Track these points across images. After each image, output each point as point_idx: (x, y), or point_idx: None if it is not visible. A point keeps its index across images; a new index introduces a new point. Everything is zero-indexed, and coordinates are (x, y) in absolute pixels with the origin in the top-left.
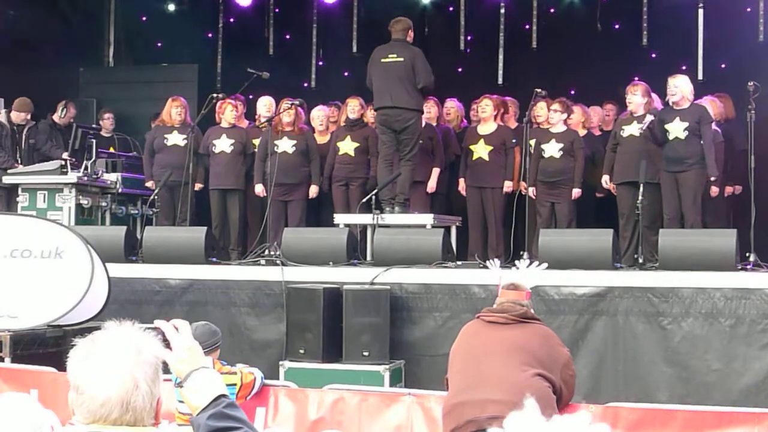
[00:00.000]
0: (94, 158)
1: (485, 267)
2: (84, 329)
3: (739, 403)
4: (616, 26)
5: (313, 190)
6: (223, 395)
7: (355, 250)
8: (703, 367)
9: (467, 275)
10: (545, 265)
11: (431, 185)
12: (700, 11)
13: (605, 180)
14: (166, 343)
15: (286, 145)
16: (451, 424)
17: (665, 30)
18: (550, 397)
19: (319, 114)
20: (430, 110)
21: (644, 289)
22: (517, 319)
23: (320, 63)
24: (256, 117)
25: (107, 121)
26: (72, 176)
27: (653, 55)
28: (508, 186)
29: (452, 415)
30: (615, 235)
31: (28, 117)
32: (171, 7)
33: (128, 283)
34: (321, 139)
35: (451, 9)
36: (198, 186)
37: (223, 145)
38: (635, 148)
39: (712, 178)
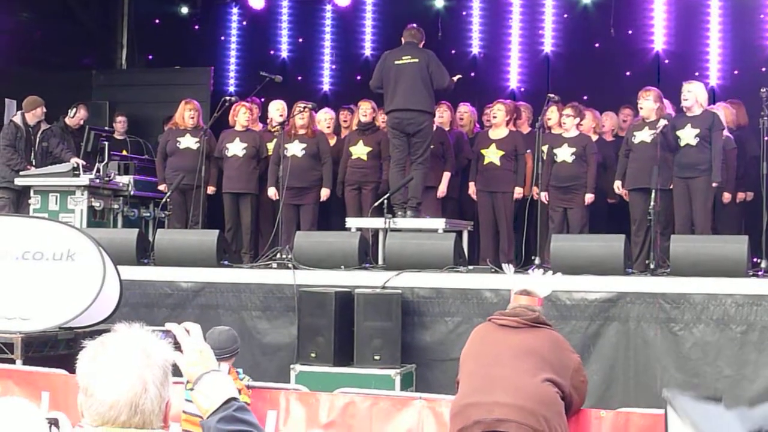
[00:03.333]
0: (106, 161)
1: (497, 272)
2: (95, 332)
3: None
4: (630, 32)
5: (324, 193)
6: (234, 398)
7: (366, 254)
8: (714, 374)
9: (479, 280)
10: (559, 274)
11: (442, 189)
12: (714, 18)
13: (617, 186)
14: (177, 346)
15: (296, 149)
16: (459, 425)
17: (678, 36)
18: (558, 403)
19: (325, 117)
20: (442, 115)
21: (656, 295)
22: (528, 323)
23: (333, 66)
24: (269, 120)
25: (120, 124)
26: (84, 179)
27: (666, 61)
28: (518, 192)
29: (460, 416)
30: (627, 241)
31: (42, 113)
32: (184, 10)
33: (140, 286)
34: (329, 142)
35: (464, 13)
36: (211, 189)
37: (236, 148)
38: (647, 155)
39: (714, 184)
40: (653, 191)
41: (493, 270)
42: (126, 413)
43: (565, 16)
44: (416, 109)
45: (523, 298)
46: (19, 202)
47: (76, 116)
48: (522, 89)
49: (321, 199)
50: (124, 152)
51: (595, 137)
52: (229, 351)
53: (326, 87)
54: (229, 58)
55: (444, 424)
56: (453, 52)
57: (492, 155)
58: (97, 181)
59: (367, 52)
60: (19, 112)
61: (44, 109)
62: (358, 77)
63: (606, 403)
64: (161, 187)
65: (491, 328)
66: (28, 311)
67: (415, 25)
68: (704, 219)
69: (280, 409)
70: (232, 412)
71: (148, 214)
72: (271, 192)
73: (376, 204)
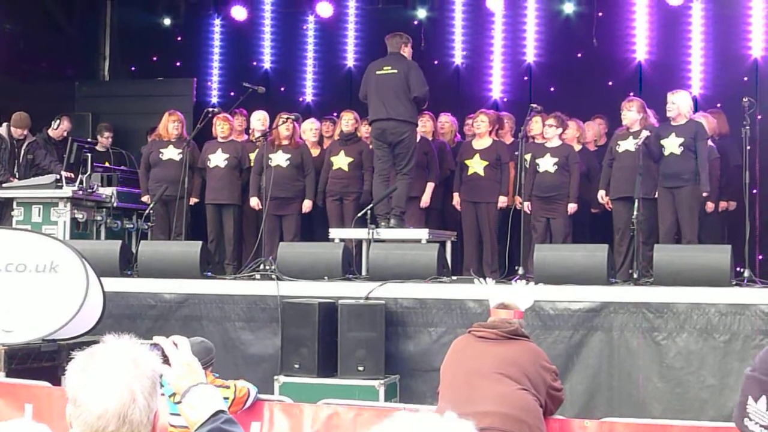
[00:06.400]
0: (89, 172)
1: (479, 281)
2: (79, 343)
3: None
4: (612, 41)
5: (307, 205)
6: (222, 411)
7: (350, 265)
8: (698, 383)
9: (462, 290)
10: (540, 285)
11: (425, 200)
12: (696, 27)
13: (601, 195)
14: (165, 359)
15: (280, 159)
16: None
17: (661, 46)
18: (538, 409)
19: (311, 127)
20: (425, 124)
21: (639, 305)
22: (506, 335)
23: (315, 77)
24: (251, 131)
25: (105, 140)
26: (67, 190)
27: (648, 71)
28: (502, 201)
29: None
30: (610, 250)
31: (26, 132)
32: (167, 21)
33: (123, 298)
34: (312, 152)
35: (447, 24)
36: (193, 200)
37: (218, 159)
38: (631, 164)
39: (704, 194)
40: (636, 200)
41: (472, 280)
42: (114, 423)
43: (548, 26)
44: (398, 119)
45: (502, 312)
46: (1, 213)
47: (59, 128)
48: (504, 99)
49: (303, 211)
50: (107, 164)
51: (578, 147)
52: (203, 363)
53: (309, 98)
54: (212, 69)
55: None
56: (436, 62)
57: (476, 165)
58: (80, 192)
59: (350, 62)
60: (5, 124)
61: (29, 127)
62: (341, 88)
63: (590, 412)
64: (144, 199)
65: (471, 340)
66: (11, 323)
67: (398, 32)
68: (691, 228)
69: (264, 420)
70: (220, 425)
71: (131, 226)
72: (254, 202)
73: (359, 214)
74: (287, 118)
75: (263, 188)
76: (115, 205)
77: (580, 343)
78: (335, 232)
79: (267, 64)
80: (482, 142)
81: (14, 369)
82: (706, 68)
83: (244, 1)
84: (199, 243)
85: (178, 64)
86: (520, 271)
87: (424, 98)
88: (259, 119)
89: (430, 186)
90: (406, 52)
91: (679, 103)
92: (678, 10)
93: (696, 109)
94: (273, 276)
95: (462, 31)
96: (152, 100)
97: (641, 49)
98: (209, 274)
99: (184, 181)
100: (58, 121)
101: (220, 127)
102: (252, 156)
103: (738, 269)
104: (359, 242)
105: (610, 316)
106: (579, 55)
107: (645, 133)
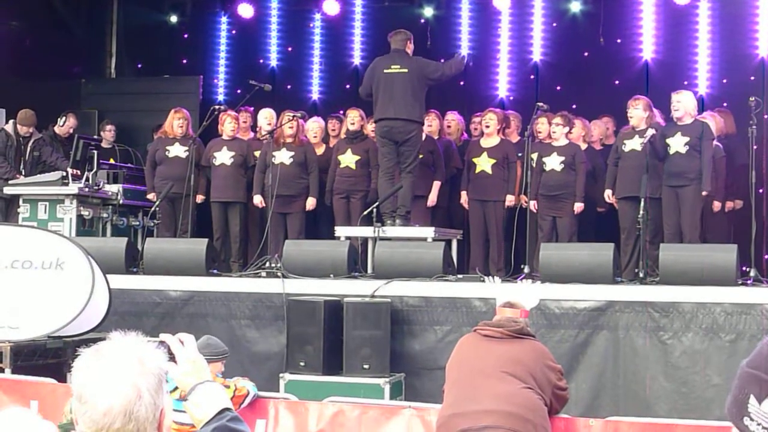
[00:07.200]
0: (95, 169)
1: (484, 280)
2: (84, 340)
3: None
4: (618, 40)
5: (311, 203)
6: (228, 408)
7: (356, 263)
8: (703, 382)
9: (468, 288)
10: (546, 284)
11: (432, 198)
12: (703, 26)
13: (608, 194)
14: (172, 357)
15: (284, 157)
16: None
17: (667, 45)
18: (542, 408)
19: (313, 126)
20: (431, 123)
21: (645, 304)
22: (512, 334)
23: (322, 75)
24: (257, 129)
25: (108, 133)
26: (73, 187)
27: (655, 70)
28: (510, 200)
29: (446, 427)
30: (616, 250)
31: (32, 130)
32: (173, 19)
33: (129, 295)
34: (317, 150)
35: (453, 22)
36: (200, 198)
37: (224, 157)
38: (637, 163)
39: (704, 193)
40: (642, 200)
41: (481, 279)
42: (120, 420)
43: (554, 24)
44: (405, 119)
45: (508, 311)
46: (8, 210)
47: (65, 125)
48: (511, 98)
49: (307, 209)
50: (111, 161)
51: (584, 146)
52: (207, 356)
53: (315, 96)
54: (219, 67)
55: None
56: (442, 60)
57: (484, 164)
58: (87, 189)
59: (356, 60)
60: (11, 121)
61: (35, 125)
62: (347, 86)
63: (595, 411)
64: (150, 196)
65: (476, 339)
66: (17, 320)
67: (401, 29)
68: (692, 228)
69: (269, 417)
70: (226, 423)
71: (137, 223)
72: (257, 200)
73: (365, 213)
74: (293, 116)
75: (267, 186)
76: (121, 202)
77: (585, 342)
78: (341, 230)
79: (273, 62)
80: (490, 141)
81: (20, 365)
82: (712, 67)
83: None
84: (205, 240)
85: (184, 61)
86: (526, 269)
87: (453, 69)
88: (265, 117)
89: (436, 185)
90: (410, 49)
91: (685, 103)
92: (685, 9)
93: (702, 109)
94: (279, 274)
95: (468, 30)
96: (158, 97)
97: (648, 48)
98: (215, 271)
99: (190, 179)
100: (64, 119)
101: (230, 126)
102: (258, 153)
103: (744, 269)
104: (365, 240)
105: (616, 315)
106: (585, 53)
107: (651, 131)
